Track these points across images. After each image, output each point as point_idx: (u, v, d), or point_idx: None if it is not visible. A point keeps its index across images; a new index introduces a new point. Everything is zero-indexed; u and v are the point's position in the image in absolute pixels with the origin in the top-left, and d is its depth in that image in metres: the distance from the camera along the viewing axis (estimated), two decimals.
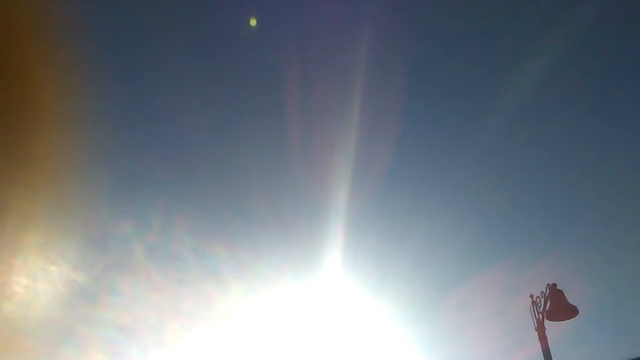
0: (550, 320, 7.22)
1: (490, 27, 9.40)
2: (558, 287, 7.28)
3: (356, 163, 8.90)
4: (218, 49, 9.51)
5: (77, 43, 7.00)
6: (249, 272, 9.05)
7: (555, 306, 7.19)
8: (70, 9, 6.97)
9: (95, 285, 8.21)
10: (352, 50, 8.69)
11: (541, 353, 7.13)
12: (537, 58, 8.81)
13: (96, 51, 7.48)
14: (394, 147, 9.37)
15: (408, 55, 9.17)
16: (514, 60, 9.19)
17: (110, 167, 8.38)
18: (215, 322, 8.81)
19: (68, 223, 7.98)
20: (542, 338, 7.18)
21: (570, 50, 9.07)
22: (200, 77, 8.73)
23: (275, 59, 8.94)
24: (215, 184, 9.01)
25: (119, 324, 8.14)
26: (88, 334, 8.29)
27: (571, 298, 7.19)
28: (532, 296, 7.46)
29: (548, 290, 7.30)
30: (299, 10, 9.09)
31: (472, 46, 9.61)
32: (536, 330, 7.27)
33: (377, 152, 9.26)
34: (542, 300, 7.33)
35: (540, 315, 7.29)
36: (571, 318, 7.18)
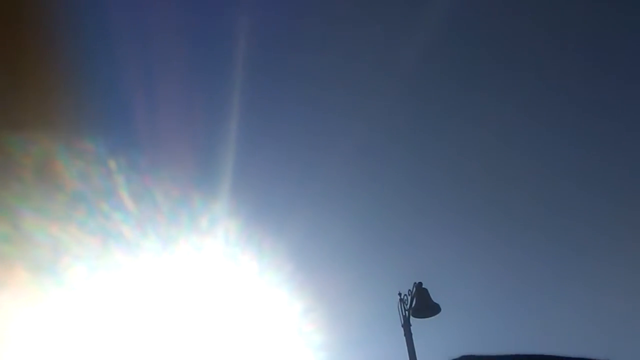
0: (416, 317, 7.58)
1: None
2: (423, 286, 7.66)
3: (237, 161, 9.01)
4: None
5: None
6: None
7: (420, 304, 7.56)
8: None
9: None
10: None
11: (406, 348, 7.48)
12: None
13: None
14: (275, 145, 9.44)
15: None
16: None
17: None
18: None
19: None
20: (408, 334, 7.53)
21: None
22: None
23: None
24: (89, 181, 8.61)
25: None
26: None
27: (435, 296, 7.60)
28: (400, 294, 7.77)
29: (414, 289, 7.65)
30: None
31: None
32: (402, 326, 7.60)
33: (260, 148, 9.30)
34: (409, 298, 7.67)
35: (406, 312, 7.63)
36: (434, 315, 7.57)
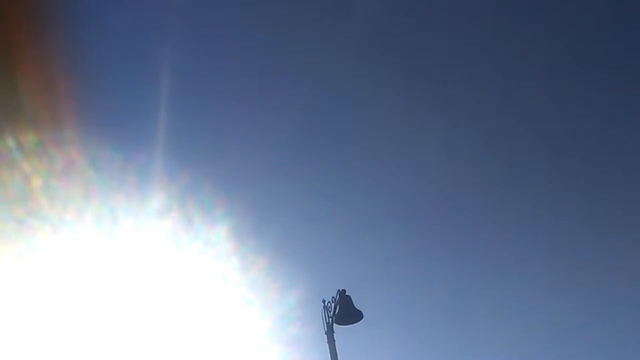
0: (339, 324, 7.66)
1: None
2: (347, 293, 7.73)
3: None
4: None
5: None
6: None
7: (344, 311, 7.64)
8: None
9: None
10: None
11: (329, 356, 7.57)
12: None
13: None
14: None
15: None
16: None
17: None
18: None
19: None
20: (331, 341, 7.60)
21: None
22: None
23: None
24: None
25: None
26: None
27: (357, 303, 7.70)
28: (324, 301, 7.81)
29: (338, 296, 7.71)
30: None
31: None
32: (326, 333, 7.67)
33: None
34: (333, 305, 7.72)
35: (330, 319, 7.69)
36: (357, 322, 7.68)
